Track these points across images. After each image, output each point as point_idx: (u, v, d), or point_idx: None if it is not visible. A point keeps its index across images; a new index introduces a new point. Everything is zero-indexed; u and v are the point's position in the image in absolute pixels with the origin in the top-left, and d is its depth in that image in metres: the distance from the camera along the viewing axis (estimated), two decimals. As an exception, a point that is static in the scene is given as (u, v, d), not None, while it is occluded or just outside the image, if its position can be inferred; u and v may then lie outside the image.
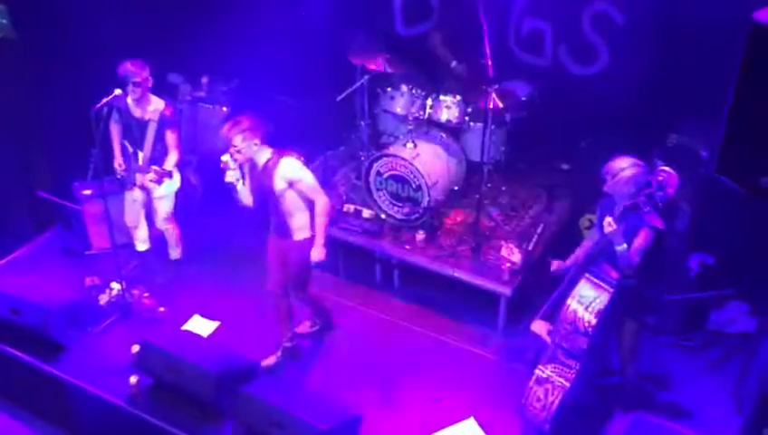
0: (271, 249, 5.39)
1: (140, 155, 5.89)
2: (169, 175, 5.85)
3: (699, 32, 5.87)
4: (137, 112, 5.82)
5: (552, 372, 4.90)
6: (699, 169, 5.77)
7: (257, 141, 5.06)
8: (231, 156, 5.06)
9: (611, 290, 4.69)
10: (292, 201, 5.14)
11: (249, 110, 7.43)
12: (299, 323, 5.79)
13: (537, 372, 4.95)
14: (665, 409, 5.35)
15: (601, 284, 4.73)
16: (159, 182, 5.83)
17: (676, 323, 5.86)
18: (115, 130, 5.94)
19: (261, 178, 5.14)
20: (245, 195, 5.27)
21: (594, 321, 4.68)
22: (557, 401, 4.86)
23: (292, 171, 5.08)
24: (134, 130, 5.87)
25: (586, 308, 4.71)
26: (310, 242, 5.22)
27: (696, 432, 5.18)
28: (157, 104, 5.84)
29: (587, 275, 4.79)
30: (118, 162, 5.97)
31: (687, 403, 5.39)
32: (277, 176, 5.06)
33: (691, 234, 5.81)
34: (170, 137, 5.87)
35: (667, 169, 4.67)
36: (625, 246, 4.61)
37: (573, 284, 4.82)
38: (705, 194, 5.77)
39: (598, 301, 4.69)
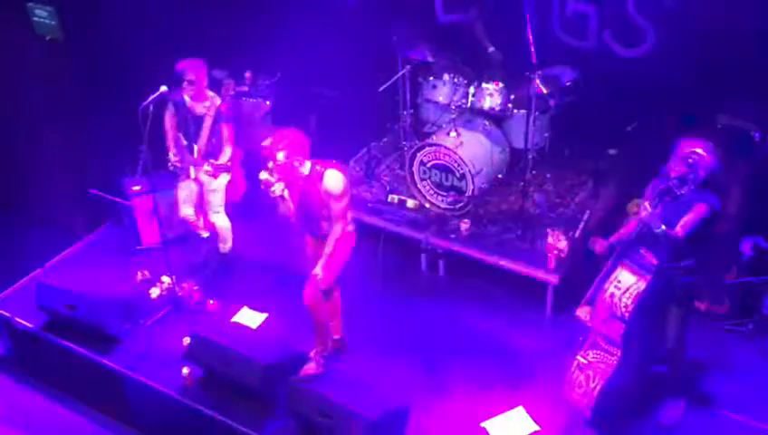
0: (311, 254, 5.35)
1: (195, 148, 5.99)
2: (226, 169, 5.94)
3: (749, 9, 5.72)
4: (193, 107, 5.91)
5: (593, 358, 4.85)
6: (751, 151, 5.64)
7: (300, 158, 4.93)
8: (269, 171, 4.90)
9: (649, 276, 4.61)
10: None
11: (292, 103, 7.56)
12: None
13: (578, 358, 4.92)
14: (717, 396, 5.25)
15: (640, 269, 4.65)
16: (216, 176, 5.92)
17: (729, 308, 5.74)
18: (170, 122, 6.00)
19: (304, 189, 5.04)
20: (288, 205, 5.08)
21: (631, 306, 4.62)
22: (598, 388, 4.82)
23: (333, 188, 4.96)
24: (190, 124, 5.95)
25: (623, 294, 4.65)
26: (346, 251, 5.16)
27: (750, 419, 5.08)
28: (213, 99, 5.93)
29: (626, 261, 4.72)
30: (172, 152, 6.05)
31: (741, 390, 5.29)
32: (324, 187, 4.96)
33: (743, 217, 5.69)
34: (225, 131, 5.95)
35: (698, 150, 4.50)
36: (663, 227, 4.48)
37: (615, 269, 4.76)
38: (757, 175, 5.64)
39: (635, 287, 4.62)
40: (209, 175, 5.91)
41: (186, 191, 6.17)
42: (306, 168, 5.00)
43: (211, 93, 5.96)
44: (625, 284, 4.66)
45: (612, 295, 4.68)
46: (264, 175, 4.93)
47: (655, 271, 4.60)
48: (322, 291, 5.20)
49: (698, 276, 4.75)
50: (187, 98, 5.87)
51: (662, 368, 5.15)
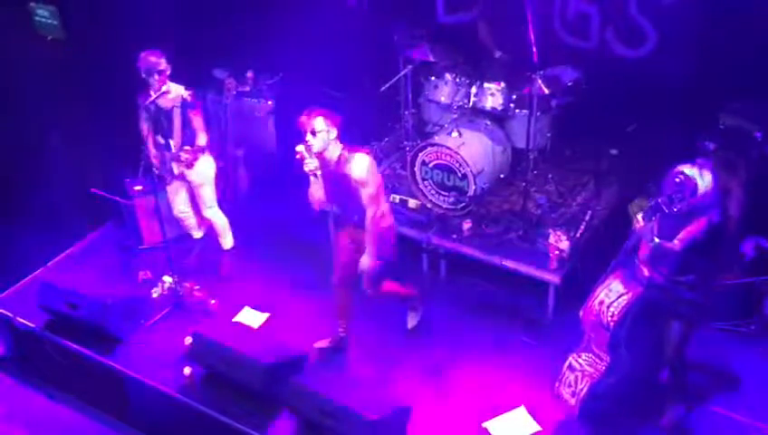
0: (342, 242, 5.32)
1: (172, 144, 5.97)
2: (202, 151, 5.90)
3: (749, 9, 5.71)
4: (161, 102, 5.84)
5: (583, 360, 4.88)
6: (753, 150, 5.63)
7: (335, 129, 4.92)
8: (306, 145, 4.90)
9: (639, 289, 4.60)
10: None
11: (294, 103, 7.56)
12: (350, 318, 5.72)
13: (570, 358, 4.94)
14: (720, 398, 5.24)
15: (631, 281, 4.64)
16: (193, 162, 5.89)
17: (730, 310, 5.73)
18: (146, 126, 5.98)
19: (334, 173, 5.01)
20: (318, 190, 5.09)
21: (616, 317, 4.62)
22: (585, 389, 4.83)
23: (361, 172, 4.93)
24: (162, 120, 5.90)
25: (611, 303, 4.65)
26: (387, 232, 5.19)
27: (753, 421, 5.07)
28: (177, 90, 5.85)
29: (621, 270, 4.71)
30: (153, 156, 6.03)
31: (741, 390, 5.28)
32: (351, 171, 4.95)
33: (744, 217, 5.67)
34: (195, 119, 5.90)
35: (685, 171, 4.37)
36: (657, 241, 4.45)
37: (610, 276, 4.75)
38: (759, 175, 5.63)
39: (624, 297, 4.63)
40: (188, 162, 5.87)
41: (173, 192, 6.17)
42: (335, 150, 4.96)
43: (173, 84, 5.84)
44: (615, 293, 4.67)
45: (602, 302, 4.69)
46: (300, 147, 4.93)
47: (647, 284, 4.57)
48: (372, 280, 5.24)
49: (700, 292, 4.62)
50: (153, 94, 5.75)
51: (662, 374, 5.13)
